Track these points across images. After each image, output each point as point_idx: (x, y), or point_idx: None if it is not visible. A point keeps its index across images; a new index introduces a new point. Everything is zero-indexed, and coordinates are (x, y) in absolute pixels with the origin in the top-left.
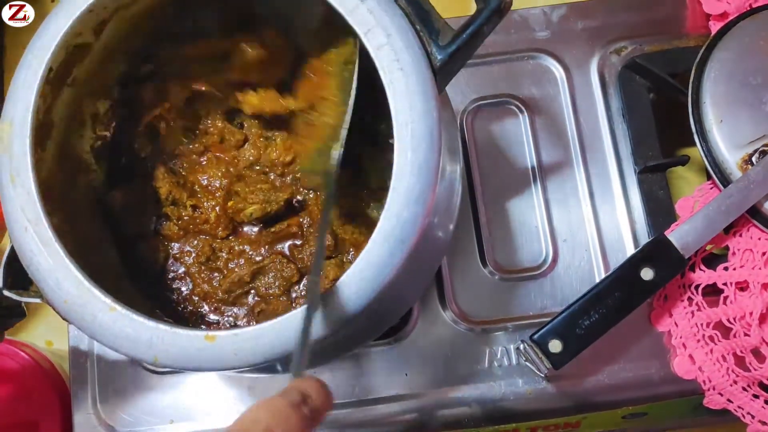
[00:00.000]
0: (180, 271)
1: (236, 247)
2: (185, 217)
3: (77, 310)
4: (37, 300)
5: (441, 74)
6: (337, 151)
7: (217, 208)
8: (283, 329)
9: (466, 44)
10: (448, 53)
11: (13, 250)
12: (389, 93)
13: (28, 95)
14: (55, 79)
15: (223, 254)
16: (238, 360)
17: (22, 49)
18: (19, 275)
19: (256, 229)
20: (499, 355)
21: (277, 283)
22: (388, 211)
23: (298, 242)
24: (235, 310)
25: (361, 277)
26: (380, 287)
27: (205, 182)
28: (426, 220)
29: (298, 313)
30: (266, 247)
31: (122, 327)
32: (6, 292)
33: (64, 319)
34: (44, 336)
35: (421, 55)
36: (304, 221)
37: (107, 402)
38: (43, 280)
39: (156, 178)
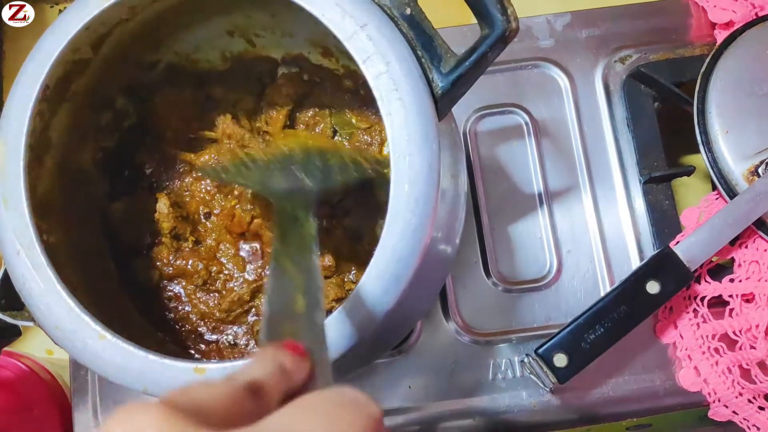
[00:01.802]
0: (176, 290)
1: (235, 272)
2: (185, 249)
3: (68, 336)
4: (30, 323)
5: (442, 102)
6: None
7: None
8: None
9: (469, 71)
10: (450, 81)
11: (6, 273)
12: (387, 123)
13: (22, 115)
14: (52, 96)
15: (222, 276)
16: None
17: (22, 54)
18: (13, 296)
19: (257, 245)
20: (503, 368)
21: None
22: (383, 246)
23: None
24: (235, 328)
25: (354, 313)
26: (375, 324)
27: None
28: (423, 254)
29: None
30: (266, 265)
31: (112, 356)
32: (0, 315)
33: (55, 343)
34: (44, 345)
35: (421, 83)
36: None
37: (108, 414)
38: (35, 305)
39: (159, 212)
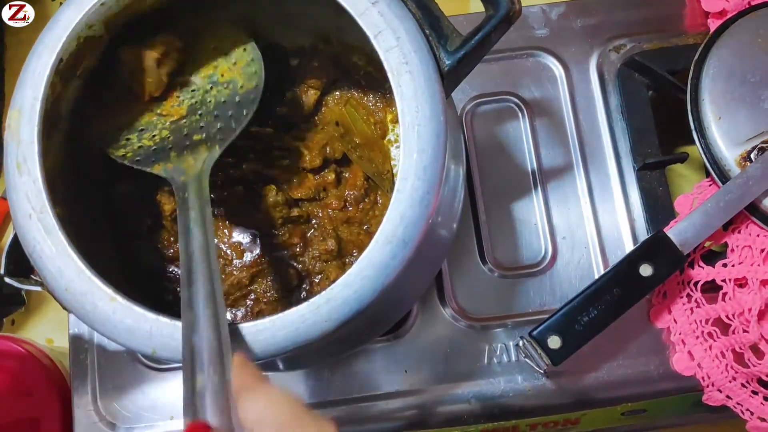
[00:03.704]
0: (176, 273)
1: (234, 258)
2: None
3: (78, 299)
4: (38, 288)
5: (448, 79)
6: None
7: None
8: (283, 325)
9: (474, 50)
10: (456, 58)
11: (15, 238)
12: (397, 95)
13: (37, 84)
14: (65, 70)
15: (220, 260)
16: None
17: (23, 47)
18: (20, 263)
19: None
20: (498, 352)
21: (276, 287)
22: (391, 212)
23: (299, 248)
24: (234, 311)
25: (362, 276)
26: (381, 288)
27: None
28: (429, 221)
29: (298, 310)
30: (264, 254)
31: (122, 318)
32: (7, 279)
33: (64, 308)
34: (44, 334)
35: (429, 58)
36: (309, 234)
37: (108, 398)
38: (45, 268)
39: (161, 194)
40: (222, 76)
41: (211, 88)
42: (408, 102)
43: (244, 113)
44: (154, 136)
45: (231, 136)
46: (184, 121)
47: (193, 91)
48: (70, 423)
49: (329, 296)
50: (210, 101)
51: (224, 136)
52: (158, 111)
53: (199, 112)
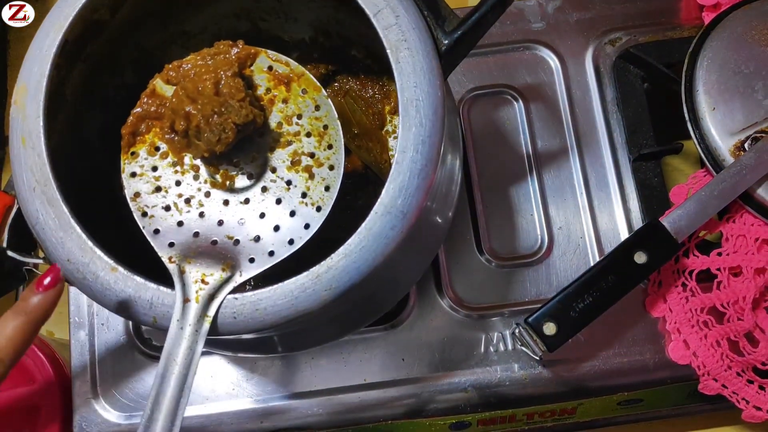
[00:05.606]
0: None
1: None
2: None
3: (80, 269)
4: (39, 261)
5: (446, 59)
6: None
7: None
8: (284, 294)
9: (471, 30)
10: (454, 39)
11: (18, 212)
12: (396, 71)
13: (44, 60)
14: (70, 51)
15: None
16: (237, 324)
17: (26, 44)
18: (22, 239)
19: None
20: (495, 341)
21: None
22: (390, 183)
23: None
24: None
25: (361, 246)
26: (380, 258)
27: None
28: (427, 194)
29: (298, 280)
30: None
31: (123, 287)
32: (10, 253)
33: (66, 280)
34: (45, 326)
35: (428, 36)
36: None
37: (108, 387)
38: (48, 239)
39: None
40: (292, 163)
41: (274, 171)
42: (407, 77)
43: (289, 239)
44: (189, 200)
45: (263, 264)
46: (231, 201)
47: (253, 162)
48: (70, 411)
49: (329, 265)
50: (268, 188)
51: (255, 255)
52: (211, 170)
53: (249, 203)
